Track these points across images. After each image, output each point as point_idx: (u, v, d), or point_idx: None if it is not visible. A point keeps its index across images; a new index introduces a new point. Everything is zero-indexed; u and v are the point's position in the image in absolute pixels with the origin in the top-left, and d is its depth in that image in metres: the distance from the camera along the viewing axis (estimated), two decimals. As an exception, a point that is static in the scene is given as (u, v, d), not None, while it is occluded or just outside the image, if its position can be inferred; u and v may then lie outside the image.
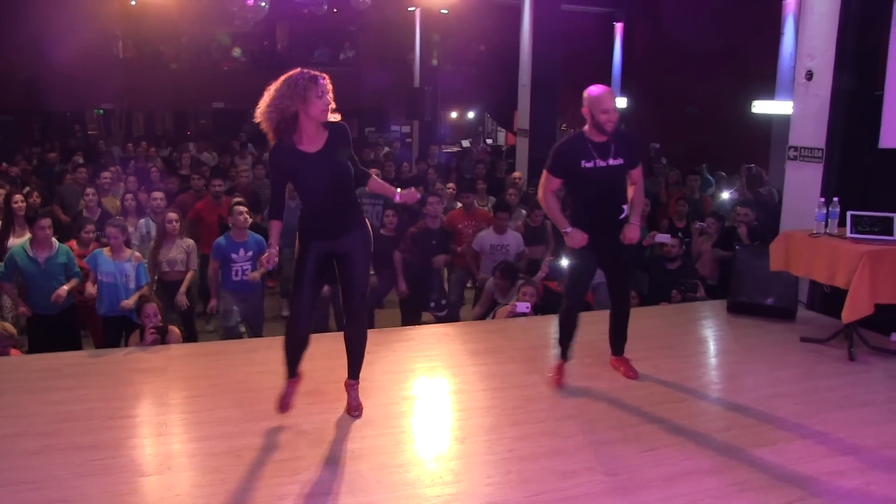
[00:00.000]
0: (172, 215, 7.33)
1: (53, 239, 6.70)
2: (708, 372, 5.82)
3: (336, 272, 4.49)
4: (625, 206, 5.04)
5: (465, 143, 22.86)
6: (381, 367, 5.51)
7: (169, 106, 23.56)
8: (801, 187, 7.11)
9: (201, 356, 5.97)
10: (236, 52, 23.28)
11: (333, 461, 4.10)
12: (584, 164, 4.86)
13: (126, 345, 6.39)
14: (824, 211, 6.09)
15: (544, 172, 5.06)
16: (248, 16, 12.27)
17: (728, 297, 7.04)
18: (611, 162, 4.89)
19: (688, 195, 9.94)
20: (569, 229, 4.94)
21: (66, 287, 6.55)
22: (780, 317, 6.73)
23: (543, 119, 13.79)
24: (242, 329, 7.24)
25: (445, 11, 18.48)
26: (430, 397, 5.13)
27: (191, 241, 7.48)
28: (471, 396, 5.05)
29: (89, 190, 8.79)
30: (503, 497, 3.79)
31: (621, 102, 18.89)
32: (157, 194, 8.56)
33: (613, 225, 5.02)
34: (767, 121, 14.02)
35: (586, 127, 4.93)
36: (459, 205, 9.20)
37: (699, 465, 4.10)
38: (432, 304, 7.75)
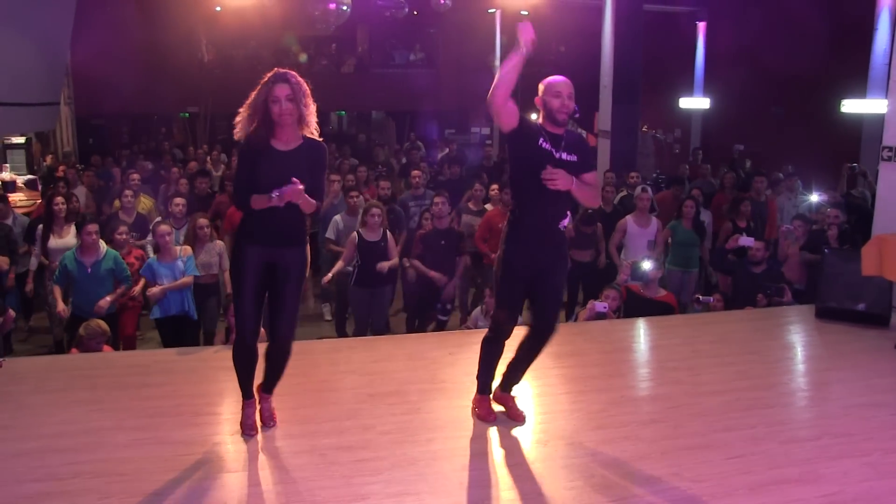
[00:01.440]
0: (203, 221, 7.45)
1: (101, 243, 6.86)
2: (795, 378, 5.67)
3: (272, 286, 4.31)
4: (568, 213, 4.56)
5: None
6: (462, 368, 5.51)
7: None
8: (896, 189, 6.89)
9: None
10: (302, 57, 23.65)
11: (415, 461, 4.13)
12: (542, 143, 4.34)
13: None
14: (921, 214, 5.90)
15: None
16: (330, 20, 12.42)
17: (816, 302, 6.85)
18: (563, 156, 4.39)
19: (753, 197, 9.71)
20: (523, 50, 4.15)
21: (109, 298, 6.68)
22: (872, 323, 6.51)
23: (625, 121, 13.65)
24: None
25: (526, 13, 18.44)
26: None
27: (220, 243, 7.62)
28: (553, 399, 5.03)
29: (127, 192, 8.91)
30: (587, 501, 3.77)
31: (704, 103, 18.60)
32: (179, 200, 8.52)
33: (552, 237, 4.47)
34: (858, 120, 13.61)
35: (540, 119, 4.50)
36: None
37: (787, 475, 4.01)
38: (437, 305, 7.71)
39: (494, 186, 9.93)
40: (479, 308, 7.07)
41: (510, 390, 4.79)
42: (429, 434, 4.46)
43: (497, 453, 4.30)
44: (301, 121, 4.21)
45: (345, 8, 12.12)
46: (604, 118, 13.91)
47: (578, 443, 4.38)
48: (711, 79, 18.78)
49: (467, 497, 3.81)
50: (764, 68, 15.84)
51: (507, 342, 4.62)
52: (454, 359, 5.73)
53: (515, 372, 4.74)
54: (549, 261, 4.47)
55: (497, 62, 19.39)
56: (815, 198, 10.38)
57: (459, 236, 8.27)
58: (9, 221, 8.51)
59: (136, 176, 10.09)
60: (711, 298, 7.19)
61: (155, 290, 6.76)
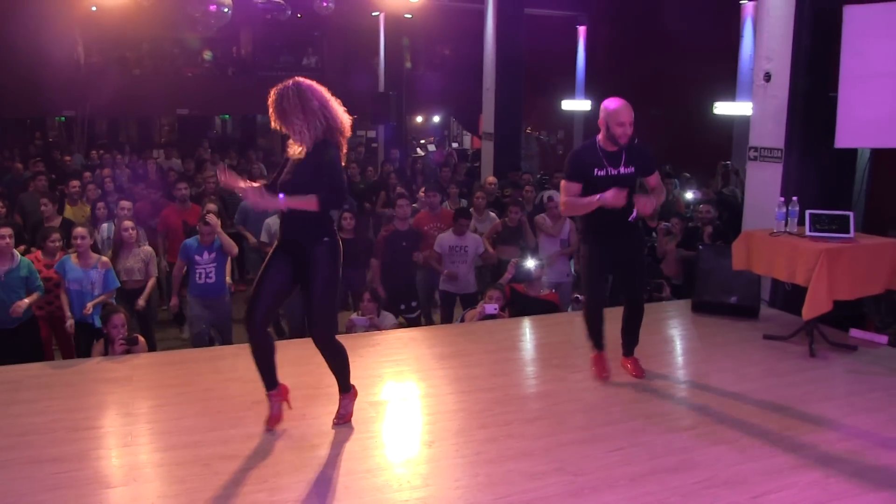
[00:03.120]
0: (128, 223, 7.30)
1: (15, 251, 6.55)
2: (674, 371, 5.87)
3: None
4: (635, 211, 5.12)
5: (431, 148, 22.90)
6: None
7: (132, 112, 23.36)
8: (762, 187, 7.23)
9: (167, 365, 5.93)
10: (207, 55, 23.13)
11: (301, 468, 4.09)
12: (596, 172, 5.00)
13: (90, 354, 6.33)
14: (784, 210, 6.21)
15: (563, 182, 5.19)
16: (211, 21, 12.16)
17: (692, 297, 7.12)
18: (622, 171, 5.03)
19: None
20: (598, 196, 4.94)
21: (26, 301, 6.40)
22: (743, 315, 6.82)
23: (508, 122, 13.87)
24: (213, 334, 7.22)
25: (409, 16, 18.51)
26: (398, 402, 5.14)
27: (149, 249, 7.48)
28: (438, 400, 5.07)
29: (44, 199, 8.65)
30: (472, 500, 3.81)
31: (585, 105, 19.07)
32: (125, 203, 8.37)
33: (624, 228, 5.13)
34: (729, 122, 14.23)
35: (599, 136, 5.06)
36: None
37: (665, 464, 4.15)
38: (402, 307, 7.77)
39: (422, 189, 10.04)
40: (356, 313, 7.06)
41: (633, 352, 5.57)
42: (314, 440, 4.42)
43: (383, 456, 4.30)
44: (295, 132, 4.30)
45: (226, 10, 11.86)
46: (487, 120, 14.09)
47: (464, 442, 4.42)
48: (592, 82, 19.25)
49: (354, 501, 3.80)
50: (642, 71, 16.37)
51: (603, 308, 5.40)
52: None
53: (630, 337, 5.54)
54: (626, 250, 5.21)
55: (382, 64, 19.38)
56: (689, 195, 10.78)
57: (420, 237, 8.32)
58: None
59: (75, 183, 9.78)
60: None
61: (88, 306, 6.58)
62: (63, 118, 22.36)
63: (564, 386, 5.29)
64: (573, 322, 6.80)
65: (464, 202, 10.32)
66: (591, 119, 19.62)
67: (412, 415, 4.91)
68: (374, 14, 19.00)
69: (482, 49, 14.22)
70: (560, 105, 19.78)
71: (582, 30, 19.24)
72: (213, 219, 7.19)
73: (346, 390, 4.65)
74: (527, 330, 6.67)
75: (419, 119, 26.32)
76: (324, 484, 3.94)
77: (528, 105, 14.95)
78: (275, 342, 4.55)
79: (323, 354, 4.51)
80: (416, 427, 4.70)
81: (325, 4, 14.22)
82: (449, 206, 9.75)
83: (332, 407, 4.79)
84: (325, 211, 4.30)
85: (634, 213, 5.13)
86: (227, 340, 7.24)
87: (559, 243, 8.49)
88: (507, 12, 13.76)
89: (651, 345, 6.25)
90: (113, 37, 20.55)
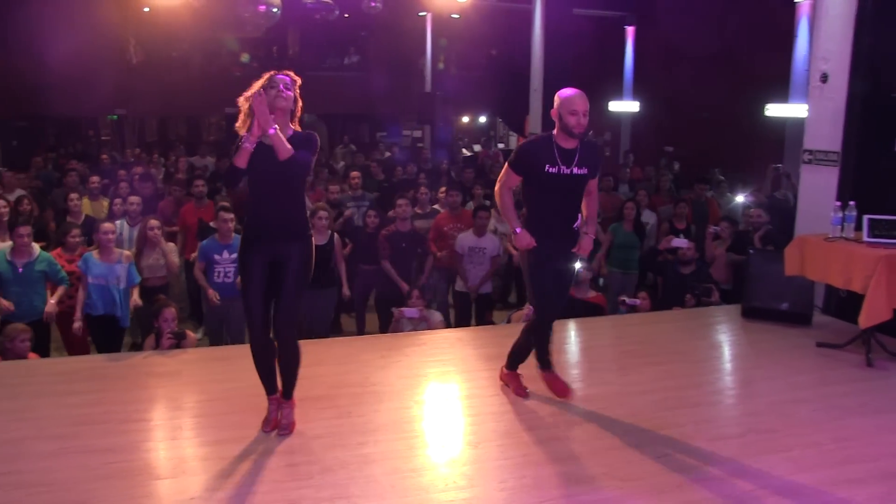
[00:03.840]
0: (154, 222, 7.33)
1: (35, 246, 6.65)
2: (722, 377, 5.77)
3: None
4: (580, 216, 4.89)
5: (477, 148, 22.87)
6: (395, 371, 5.50)
7: (182, 111, 23.68)
8: (817, 191, 7.06)
9: (215, 360, 5.98)
10: (244, 57, 23.34)
11: (346, 465, 4.09)
12: (548, 168, 4.67)
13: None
14: (840, 215, 6.05)
15: (506, 166, 4.89)
16: (260, 21, 12.30)
17: (742, 302, 6.99)
18: (574, 171, 4.70)
19: (694, 199, 9.94)
20: (518, 230, 4.78)
21: (53, 302, 6.53)
22: (795, 322, 6.67)
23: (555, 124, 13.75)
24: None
25: (456, 16, 18.52)
26: (443, 402, 5.12)
27: (171, 244, 7.56)
28: (483, 401, 5.02)
29: (73, 195, 8.76)
30: (518, 502, 3.77)
31: (633, 106, 18.91)
32: (134, 199, 8.45)
33: (567, 232, 4.85)
34: (781, 124, 13.99)
35: (555, 130, 4.73)
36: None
37: (714, 472, 4.06)
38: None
39: (443, 189, 9.98)
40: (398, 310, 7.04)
41: (515, 368, 5.15)
42: (360, 438, 4.41)
43: (428, 456, 4.27)
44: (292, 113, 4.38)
45: (275, 10, 11.99)
46: (534, 121, 13.99)
47: (509, 444, 4.38)
48: (640, 83, 19.09)
49: (398, 500, 3.78)
50: (691, 72, 16.17)
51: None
52: (386, 362, 5.69)
53: (523, 352, 5.10)
54: (564, 257, 4.87)
55: (428, 65, 19.39)
56: (740, 199, 10.61)
57: (422, 239, 8.31)
58: None
59: (95, 179, 9.95)
60: (638, 300, 7.26)
61: (135, 298, 6.62)
62: (115, 117, 22.73)
63: (611, 389, 5.22)
64: (619, 325, 6.75)
65: (488, 203, 10.23)
66: (638, 120, 19.46)
67: (457, 415, 4.87)
68: (420, 14, 19.04)
69: (529, 49, 14.15)
70: (607, 106, 19.64)
71: (630, 30, 19.09)
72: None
73: (290, 397, 4.54)
74: (572, 332, 6.59)
75: (465, 119, 26.30)
76: (369, 482, 3.93)
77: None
78: (275, 348, 4.46)
79: (282, 349, 4.39)
80: (460, 428, 4.67)
81: (373, 4, 14.31)
82: (473, 206, 9.64)
83: (378, 405, 4.81)
84: (303, 203, 4.39)
85: (579, 221, 4.87)
86: (236, 339, 7.15)
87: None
88: (554, 12, 13.66)
89: (699, 350, 6.17)
90: (164, 36, 20.83)
